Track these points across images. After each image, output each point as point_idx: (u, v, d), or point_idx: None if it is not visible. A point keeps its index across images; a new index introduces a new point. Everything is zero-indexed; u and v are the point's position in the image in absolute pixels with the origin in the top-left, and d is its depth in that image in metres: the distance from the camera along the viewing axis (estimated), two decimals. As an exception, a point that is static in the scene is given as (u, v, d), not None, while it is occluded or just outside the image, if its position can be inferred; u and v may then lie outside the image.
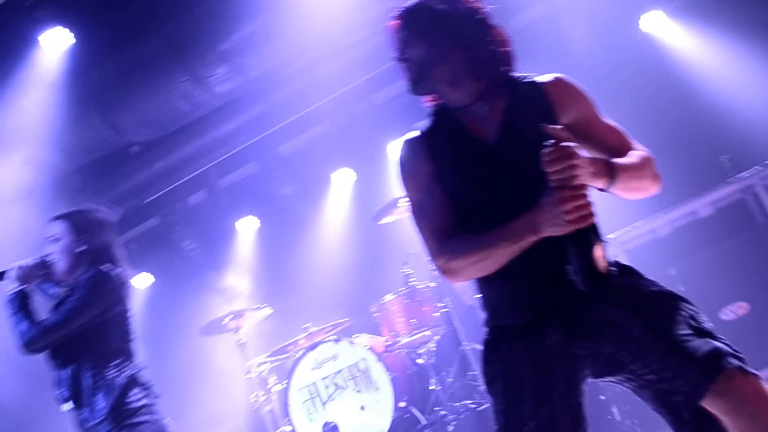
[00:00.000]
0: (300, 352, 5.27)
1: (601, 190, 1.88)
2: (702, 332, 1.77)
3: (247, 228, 6.62)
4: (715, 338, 1.76)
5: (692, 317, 1.81)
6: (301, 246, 6.53)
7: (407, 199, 2.09)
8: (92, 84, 5.47)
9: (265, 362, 5.51)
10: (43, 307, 2.86)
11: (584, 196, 1.75)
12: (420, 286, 5.15)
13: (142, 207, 6.28)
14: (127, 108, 5.58)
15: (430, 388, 5.07)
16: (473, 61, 2.00)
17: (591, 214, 1.76)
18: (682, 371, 1.72)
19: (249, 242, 6.66)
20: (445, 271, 1.98)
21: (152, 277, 6.72)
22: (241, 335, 5.44)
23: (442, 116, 2.11)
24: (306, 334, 5.36)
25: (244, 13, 5.19)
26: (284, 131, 6.03)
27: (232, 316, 5.40)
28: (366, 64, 5.60)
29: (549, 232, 1.77)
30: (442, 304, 5.12)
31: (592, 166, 1.79)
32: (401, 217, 5.07)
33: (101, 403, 2.65)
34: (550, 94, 2.02)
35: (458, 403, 4.92)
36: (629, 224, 4.85)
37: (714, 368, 1.69)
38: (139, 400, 2.74)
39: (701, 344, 1.74)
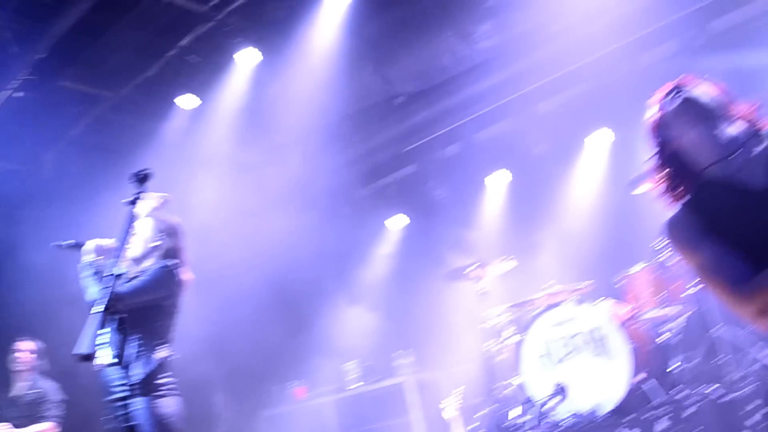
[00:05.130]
0: (540, 309, 5.24)
1: None
2: None
3: (497, 183, 6.70)
4: None
5: None
6: (550, 206, 6.49)
7: (691, 265, 2.07)
8: (367, 37, 5.86)
9: (503, 313, 5.55)
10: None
11: None
12: (671, 263, 4.86)
13: (402, 154, 6.68)
14: (396, 60, 5.92)
15: (670, 368, 4.82)
16: None
17: None
18: None
19: (499, 196, 6.74)
20: (764, 311, 1.88)
21: (407, 219, 7.12)
22: (482, 285, 5.54)
23: (700, 186, 2.09)
24: (548, 291, 5.33)
25: (512, -31, 5.19)
26: (542, 90, 5.97)
27: (478, 264, 5.51)
28: (633, 24, 5.29)
29: None
30: (694, 282, 4.79)
31: None
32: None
33: (138, 369, 3.20)
34: None
35: (699, 390, 4.64)
36: None
37: None
38: (165, 377, 3.29)
39: None
